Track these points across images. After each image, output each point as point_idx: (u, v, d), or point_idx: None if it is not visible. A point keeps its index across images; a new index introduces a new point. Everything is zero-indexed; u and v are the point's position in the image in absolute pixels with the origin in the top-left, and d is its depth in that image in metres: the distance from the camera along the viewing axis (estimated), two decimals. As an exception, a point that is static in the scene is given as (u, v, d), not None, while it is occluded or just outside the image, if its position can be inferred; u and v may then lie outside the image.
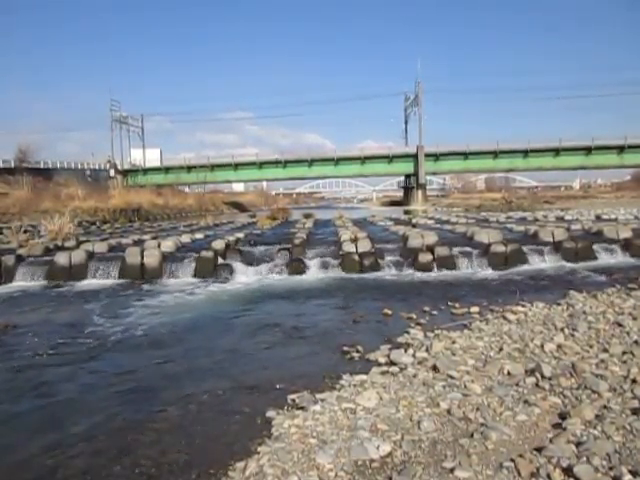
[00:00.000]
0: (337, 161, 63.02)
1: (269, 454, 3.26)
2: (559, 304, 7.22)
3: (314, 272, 11.38)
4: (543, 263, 11.88)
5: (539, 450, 3.02)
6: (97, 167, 63.03)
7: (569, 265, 11.62)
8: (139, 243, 14.42)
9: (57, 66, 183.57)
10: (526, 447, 3.14)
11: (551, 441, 3.14)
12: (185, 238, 15.57)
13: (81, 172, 59.29)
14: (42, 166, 54.10)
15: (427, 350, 5.27)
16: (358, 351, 5.64)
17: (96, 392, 4.83)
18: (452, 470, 2.90)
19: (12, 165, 49.87)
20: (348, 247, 12.13)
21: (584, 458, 2.84)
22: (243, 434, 3.74)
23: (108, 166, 62.97)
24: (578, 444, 3.02)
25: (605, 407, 3.49)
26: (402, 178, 71.95)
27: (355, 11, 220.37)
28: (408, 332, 6.24)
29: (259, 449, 3.38)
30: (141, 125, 70.59)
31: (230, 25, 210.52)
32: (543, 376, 4.13)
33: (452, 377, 4.31)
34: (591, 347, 4.91)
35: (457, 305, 7.80)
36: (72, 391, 4.87)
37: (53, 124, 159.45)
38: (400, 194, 79.35)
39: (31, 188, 40.65)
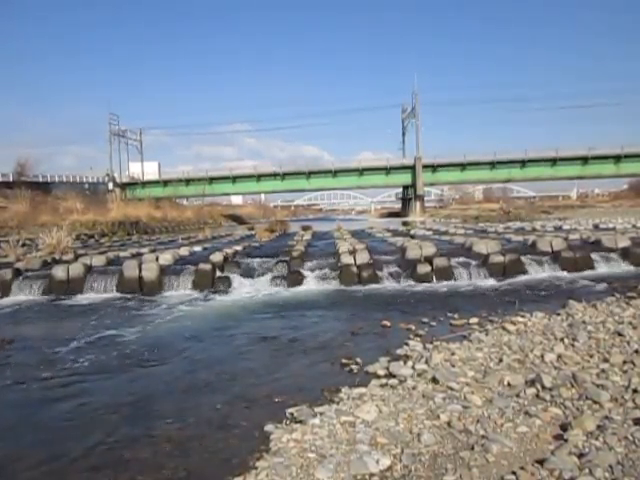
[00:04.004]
0: (335, 173, 63.22)
1: (267, 469, 3.22)
2: (558, 314, 7.20)
3: (312, 284, 11.35)
4: (542, 273, 11.87)
5: (541, 462, 2.98)
6: (96, 180, 63.16)
7: (568, 275, 11.60)
8: (137, 256, 14.39)
9: (53, 80, 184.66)
10: (527, 459, 3.10)
11: (553, 453, 3.10)
12: (183, 251, 15.53)
13: (80, 185, 59.42)
14: (41, 180, 54.26)
15: (426, 362, 5.23)
16: (357, 363, 5.60)
17: (93, 407, 4.78)
18: (453, 484, 2.86)
19: (11, 179, 49.98)
20: (346, 259, 12.11)
21: (586, 470, 2.81)
22: (241, 449, 3.70)
23: (107, 179, 63.10)
24: (580, 456, 2.99)
25: (607, 418, 3.46)
26: (400, 189, 72.14)
27: (353, 23, 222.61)
28: (407, 344, 6.21)
29: (257, 464, 3.34)
30: (139, 139, 70.83)
31: (227, 38, 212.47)
32: (544, 387, 4.10)
33: (452, 389, 4.28)
34: (591, 357, 4.88)
35: (456, 316, 7.77)
36: (69, 406, 4.82)
37: (51, 138, 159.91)
38: (398, 205, 79.58)
39: (29, 202, 40.62)
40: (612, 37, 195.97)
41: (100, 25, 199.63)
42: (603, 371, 4.37)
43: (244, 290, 11.16)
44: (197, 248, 17.18)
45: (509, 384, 4.30)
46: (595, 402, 3.74)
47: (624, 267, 12.18)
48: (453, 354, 5.40)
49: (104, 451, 3.83)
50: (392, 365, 5.24)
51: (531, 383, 4.24)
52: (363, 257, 12.15)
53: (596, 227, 23.39)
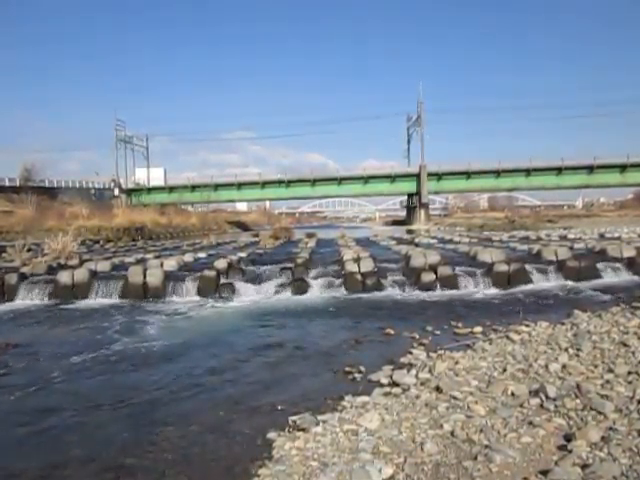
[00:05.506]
0: (340, 181, 63.27)
1: (270, 477, 3.22)
2: (563, 324, 7.16)
3: (316, 291, 11.35)
4: (547, 282, 11.82)
5: (544, 473, 2.97)
6: (102, 186, 63.38)
7: (573, 284, 11.56)
8: (142, 262, 14.44)
9: (59, 86, 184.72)
10: (531, 470, 3.08)
11: (556, 464, 3.08)
12: (188, 257, 15.60)
13: (86, 191, 59.64)
14: (47, 185, 54.41)
15: (430, 371, 5.22)
16: (360, 372, 5.60)
17: (97, 412, 4.79)
18: (456, 494, 2.85)
19: (17, 183, 50.22)
20: (351, 266, 12.11)
21: (590, 481, 2.78)
22: (244, 456, 3.69)
23: (112, 185, 63.31)
24: (584, 467, 2.97)
25: (611, 428, 3.44)
26: (405, 197, 72.09)
27: (356, 30, 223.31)
28: (411, 352, 6.20)
29: (259, 472, 3.34)
30: (146, 145, 71.13)
31: (231, 44, 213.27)
32: (547, 397, 4.08)
33: (455, 398, 4.26)
34: (596, 367, 4.85)
35: (460, 325, 7.75)
36: (72, 411, 4.83)
37: (57, 143, 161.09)
38: (403, 213, 79.40)
39: (35, 206, 40.90)
40: (613, 45, 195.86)
41: (105, 30, 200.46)
42: (608, 382, 4.34)
43: (248, 297, 11.16)
44: (202, 254, 17.25)
45: (513, 394, 4.28)
46: (599, 413, 3.71)
47: (629, 277, 12.13)
48: (457, 363, 5.38)
49: (106, 457, 3.83)
50: (395, 374, 5.23)
51: (535, 393, 4.21)
52: (367, 265, 12.15)
53: (601, 236, 23.32)
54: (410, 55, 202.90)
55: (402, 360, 5.89)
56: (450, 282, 11.44)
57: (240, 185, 64.24)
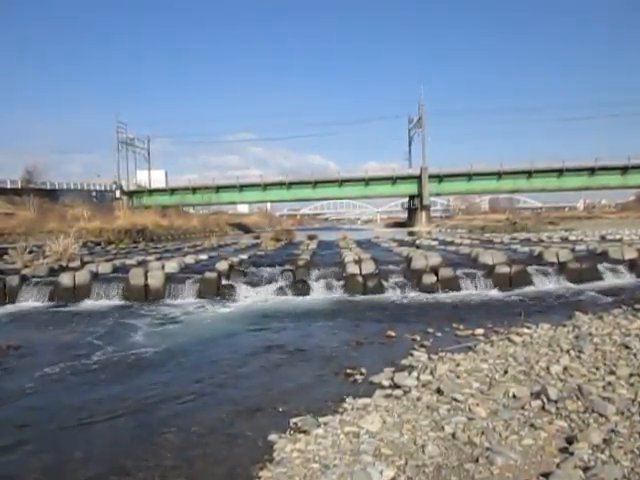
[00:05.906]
0: (341, 183, 63.32)
1: (271, 479, 3.21)
2: (565, 325, 7.14)
3: (318, 293, 11.35)
4: (548, 284, 11.81)
5: (546, 476, 2.96)
6: (103, 188, 63.58)
7: (574, 286, 11.54)
8: (143, 264, 14.45)
9: (60, 88, 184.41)
10: (532, 472, 3.07)
11: (558, 466, 3.08)
12: (189, 259, 15.60)
13: (87, 193, 59.84)
14: (48, 187, 54.58)
15: (431, 373, 5.21)
16: (361, 374, 5.59)
17: (97, 415, 4.78)
18: (457, 496, 2.84)
19: (19, 185, 50.37)
20: (352, 268, 12.11)
21: (592, 484, 2.78)
22: (245, 458, 3.69)
23: (114, 187, 63.44)
24: (585, 469, 2.96)
25: (613, 431, 3.42)
26: (406, 199, 72.12)
27: (357, 30, 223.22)
28: (412, 354, 6.19)
29: (260, 473, 3.34)
30: (147, 147, 71.25)
31: (232, 46, 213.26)
32: (549, 399, 4.07)
33: (457, 400, 4.25)
34: (598, 369, 4.83)
35: (461, 327, 7.74)
36: (72, 414, 4.83)
37: (58, 145, 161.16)
38: (404, 215, 79.37)
39: (37, 208, 41.01)
40: (615, 46, 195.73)
41: (105, 31, 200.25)
42: (609, 384, 4.33)
43: (249, 299, 11.17)
44: (203, 256, 17.23)
45: (514, 396, 4.27)
46: (601, 415, 3.70)
47: (631, 279, 12.11)
48: (458, 365, 5.38)
49: (106, 459, 3.83)
50: (397, 376, 5.23)
51: (536, 395, 4.21)
52: (368, 267, 12.14)
53: (603, 238, 23.29)
54: (411, 56, 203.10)
55: (403, 362, 5.88)
56: (451, 284, 11.44)
57: (241, 187, 64.33)
